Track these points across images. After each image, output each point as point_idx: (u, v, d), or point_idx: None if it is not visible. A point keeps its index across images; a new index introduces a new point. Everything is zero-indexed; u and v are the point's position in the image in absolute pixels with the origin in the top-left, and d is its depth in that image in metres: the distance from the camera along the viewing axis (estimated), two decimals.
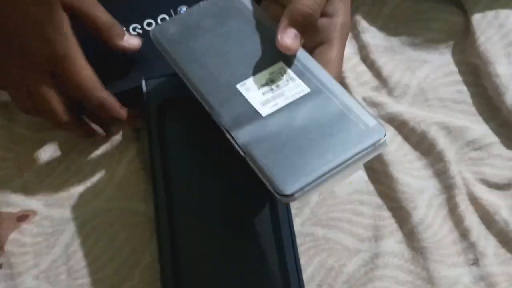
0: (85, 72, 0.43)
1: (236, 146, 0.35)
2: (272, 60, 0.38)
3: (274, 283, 0.40)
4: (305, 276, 0.42)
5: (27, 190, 0.47)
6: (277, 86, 0.37)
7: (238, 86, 0.37)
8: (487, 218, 0.46)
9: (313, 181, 0.31)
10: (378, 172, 0.48)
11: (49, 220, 0.46)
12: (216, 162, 0.43)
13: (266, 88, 0.37)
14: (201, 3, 0.43)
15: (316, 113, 0.35)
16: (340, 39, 0.41)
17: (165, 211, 0.42)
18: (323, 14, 0.40)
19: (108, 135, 0.48)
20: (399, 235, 0.46)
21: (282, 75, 0.37)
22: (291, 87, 0.36)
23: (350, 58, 0.52)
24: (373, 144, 0.33)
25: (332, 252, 0.45)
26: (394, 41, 0.53)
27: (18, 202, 0.47)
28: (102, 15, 0.44)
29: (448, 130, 0.48)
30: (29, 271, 0.45)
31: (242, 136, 0.34)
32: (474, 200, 0.46)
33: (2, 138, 0.49)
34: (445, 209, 0.46)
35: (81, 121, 0.47)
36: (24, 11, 0.40)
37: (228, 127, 0.35)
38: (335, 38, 0.41)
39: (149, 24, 0.48)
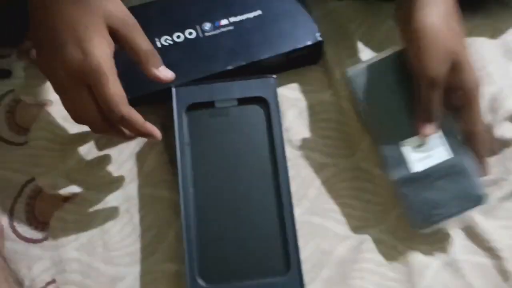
0: (115, 88, 0.44)
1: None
2: None
3: (278, 260, 0.48)
4: (303, 257, 0.49)
5: (70, 176, 0.54)
6: (429, 148, 0.50)
7: (403, 143, 0.51)
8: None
9: (439, 220, 0.49)
10: (369, 173, 0.56)
11: (88, 201, 0.54)
12: (234, 161, 0.51)
13: (419, 148, 0.50)
14: (391, 54, 0.52)
15: (450, 176, 0.50)
16: (474, 98, 0.49)
17: (190, 197, 0.49)
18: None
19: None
20: (383, 225, 0.54)
21: (435, 138, 0.50)
22: (438, 151, 0.50)
23: None
24: (478, 203, 0.49)
25: (326, 238, 0.53)
26: None
27: (63, 185, 0.54)
28: (144, 44, 0.46)
29: None
30: (71, 244, 0.52)
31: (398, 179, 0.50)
32: None
33: (47, 131, 0.56)
34: None
35: (115, 127, 0.48)
36: (67, 16, 0.43)
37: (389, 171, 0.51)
38: (471, 101, 0.49)
39: (178, 37, 0.55)
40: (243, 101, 0.52)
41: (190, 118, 0.52)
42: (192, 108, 0.52)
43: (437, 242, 0.53)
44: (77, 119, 0.47)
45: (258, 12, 0.56)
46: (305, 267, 0.50)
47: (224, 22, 0.56)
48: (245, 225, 0.49)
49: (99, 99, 0.44)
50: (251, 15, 0.56)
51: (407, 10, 0.49)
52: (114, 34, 0.45)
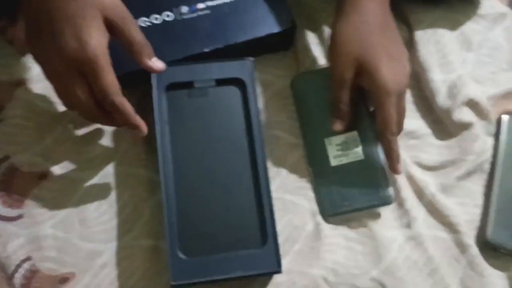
0: (109, 77, 0.46)
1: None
2: (351, 128, 0.56)
3: (255, 234, 0.50)
4: None
5: (47, 154, 0.55)
6: (347, 148, 0.56)
7: (325, 140, 0.56)
8: (419, 192, 0.57)
9: (346, 211, 0.55)
10: None
11: (65, 179, 0.54)
12: (212, 139, 0.52)
13: (339, 147, 0.56)
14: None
15: (361, 172, 0.55)
16: (382, 100, 0.52)
17: (169, 173, 0.51)
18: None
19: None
20: None
21: (353, 141, 0.56)
22: (353, 151, 0.56)
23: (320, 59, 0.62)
24: (383, 203, 0.55)
25: (297, 214, 0.56)
26: None
27: (39, 163, 0.55)
28: (138, 35, 0.48)
29: None
30: (47, 221, 0.53)
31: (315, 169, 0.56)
32: (410, 178, 0.58)
33: (23, 109, 0.56)
34: None
35: (107, 115, 0.49)
36: (65, 6, 0.45)
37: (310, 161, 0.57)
38: (380, 103, 0.53)
39: (156, 19, 0.56)
40: (221, 82, 0.54)
41: (169, 97, 0.53)
42: (171, 88, 0.53)
43: (401, 218, 0.56)
44: (70, 105, 0.48)
45: None
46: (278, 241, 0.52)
47: (201, 5, 0.57)
48: (223, 200, 0.50)
49: (94, 87, 0.46)
50: (227, 0, 0.58)
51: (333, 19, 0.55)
52: (109, 25, 0.47)
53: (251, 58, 0.55)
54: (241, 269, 0.48)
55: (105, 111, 0.48)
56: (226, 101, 0.53)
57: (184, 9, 0.57)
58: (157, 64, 0.50)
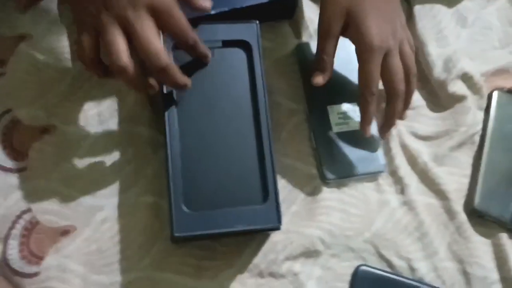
0: (183, 18, 0.46)
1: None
2: (352, 99, 0.60)
3: (258, 190, 0.51)
4: None
5: (49, 109, 0.55)
6: (348, 117, 0.59)
7: (328, 107, 0.59)
8: (412, 161, 0.60)
9: (339, 178, 0.57)
10: None
11: (68, 134, 0.55)
12: (217, 99, 0.53)
13: (341, 115, 0.59)
14: None
15: (359, 141, 0.58)
16: (364, 56, 0.52)
17: (175, 132, 0.51)
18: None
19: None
20: None
21: (353, 112, 0.59)
22: (354, 121, 0.59)
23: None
24: (377, 172, 0.58)
25: (294, 177, 0.57)
26: None
27: (41, 118, 0.54)
28: None
29: None
30: (49, 174, 0.53)
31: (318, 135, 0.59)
32: (404, 146, 0.60)
33: (27, 64, 0.56)
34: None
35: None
36: None
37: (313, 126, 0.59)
38: (362, 59, 0.53)
39: None
40: (227, 44, 0.54)
41: (175, 57, 0.54)
42: (178, 47, 0.54)
43: (395, 184, 0.58)
44: (94, 56, 0.47)
45: None
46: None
47: None
48: (227, 158, 0.51)
49: (173, 29, 0.46)
50: None
51: None
52: None
53: (257, 21, 0.55)
54: (242, 223, 0.49)
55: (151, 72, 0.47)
56: (231, 63, 0.54)
57: None
58: (206, 3, 0.50)
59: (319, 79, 0.54)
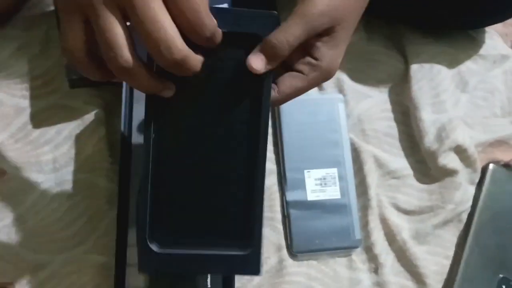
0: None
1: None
2: (331, 164, 0.55)
3: (241, 232, 0.42)
4: None
5: (2, 150, 0.51)
6: (325, 184, 0.53)
7: (305, 171, 0.54)
8: (391, 237, 0.55)
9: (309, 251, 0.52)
10: None
11: (18, 180, 0.50)
12: (210, 110, 0.41)
13: (318, 181, 0.54)
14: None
15: (334, 213, 0.54)
16: (315, 79, 0.41)
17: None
18: (312, 57, 0.41)
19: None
20: None
21: (331, 179, 0.54)
22: (332, 189, 0.54)
23: None
24: (351, 248, 0.53)
25: None
26: (344, 74, 0.60)
27: None
28: None
29: (375, 158, 0.57)
30: None
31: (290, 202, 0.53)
32: (383, 220, 0.55)
33: None
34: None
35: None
36: None
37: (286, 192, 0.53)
38: (311, 77, 0.41)
39: None
40: (231, 37, 0.39)
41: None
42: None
43: (369, 262, 0.54)
44: (86, 50, 0.35)
45: None
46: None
47: None
48: (209, 189, 0.42)
49: (183, 8, 0.33)
50: None
51: None
52: None
53: (275, 12, 0.41)
54: (220, 269, 0.42)
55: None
56: (234, 66, 0.40)
57: None
58: None
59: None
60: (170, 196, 0.41)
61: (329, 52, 0.41)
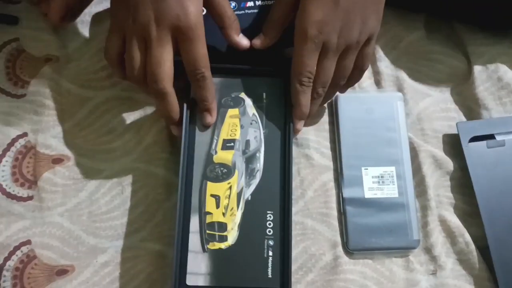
0: (203, 50, 0.45)
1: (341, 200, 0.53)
2: (389, 162, 0.54)
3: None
4: None
5: (65, 138, 0.52)
6: (383, 182, 0.52)
7: (362, 169, 0.53)
8: (452, 238, 0.53)
9: (365, 250, 0.51)
10: None
11: (80, 167, 0.52)
12: None
13: (375, 179, 0.53)
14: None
15: (391, 212, 0.52)
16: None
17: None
18: None
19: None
20: None
21: (389, 177, 0.53)
22: (389, 188, 0.53)
23: (364, 80, 0.58)
24: (408, 249, 0.52)
25: (316, 242, 0.52)
26: (403, 73, 0.59)
27: (56, 146, 0.52)
28: (229, 9, 0.48)
29: (434, 158, 0.55)
30: (56, 208, 0.50)
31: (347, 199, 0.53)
32: (443, 221, 0.53)
33: (48, 88, 0.53)
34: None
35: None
36: None
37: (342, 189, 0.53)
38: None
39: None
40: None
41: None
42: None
43: (427, 264, 0.52)
44: (120, 64, 0.47)
45: None
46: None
47: (250, 3, 0.53)
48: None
49: (185, 56, 0.45)
50: None
51: None
52: None
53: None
54: None
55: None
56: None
57: (232, 3, 0.53)
58: (243, 41, 0.49)
59: (257, 42, 0.50)
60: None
61: (298, 15, 0.46)
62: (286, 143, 0.49)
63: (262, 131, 0.50)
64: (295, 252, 0.51)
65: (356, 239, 0.52)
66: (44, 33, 0.55)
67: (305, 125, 0.55)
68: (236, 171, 0.48)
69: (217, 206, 0.47)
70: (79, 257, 0.49)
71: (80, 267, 0.49)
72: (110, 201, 0.51)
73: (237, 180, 0.48)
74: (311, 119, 0.55)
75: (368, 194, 0.53)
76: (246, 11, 0.53)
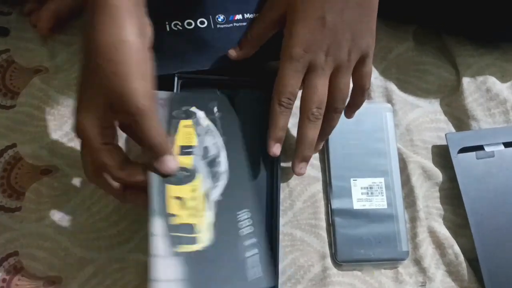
0: (157, 130, 0.40)
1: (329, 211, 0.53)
2: (378, 173, 0.54)
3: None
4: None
5: (54, 149, 0.52)
6: (372, 193, 0.52)
7: (351, 180, 0.53)
8: (441, 250, 0.53)
9: (354, 261, 0.51)
10: None
11: (69, 178, 0.52)
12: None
13: (364, 190, 0.52)
14: None
15: (380, 223, 0.52)
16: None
17: None
18: None
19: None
20: None
21: (378, 188, 0.53)
22: (378, 199, 0.53)
23: None
24: (397, 260, 0.51)
25: (304, 253, 0.52)
26: (392, 84, 0.59)
27: (44, 157, 0.52)
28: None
29: (424, 169, 0.55)
30: (44, 219, 0.50)
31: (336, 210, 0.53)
32: (433, 233, 0.53)
33: (37, 99, 0.54)
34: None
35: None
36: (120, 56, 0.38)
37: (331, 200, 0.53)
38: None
39: (189, 24, 0.53)
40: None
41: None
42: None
43: (417, 275, 0.52)
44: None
45: None
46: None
47: (238, 17, 0.54)
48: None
49: (137, 139, 0.43)
50: None
51: None
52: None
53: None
54: None
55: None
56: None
57: (220, 17, 0.54)
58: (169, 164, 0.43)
59: (232, 52, 0.51)
60: None
61: (285, 32, 0.47)
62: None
63: (221, 138, 0.48)
64: (283, 264, 0.51)
65: (344, 251, 0.51)
66: (34, 44, 0.55)
67: (293, 136, 0.55)
68: (200, 174, 0.47)
69: (182, 208, 0.46)
70: (66, 268, 0.49)
71: (67, 278, 0.49)
72: (98, 212, 0.51)
73: (201, 182, 0.47)
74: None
75: (357, 205, 0.53)
76: (235, 24, 0.54)
